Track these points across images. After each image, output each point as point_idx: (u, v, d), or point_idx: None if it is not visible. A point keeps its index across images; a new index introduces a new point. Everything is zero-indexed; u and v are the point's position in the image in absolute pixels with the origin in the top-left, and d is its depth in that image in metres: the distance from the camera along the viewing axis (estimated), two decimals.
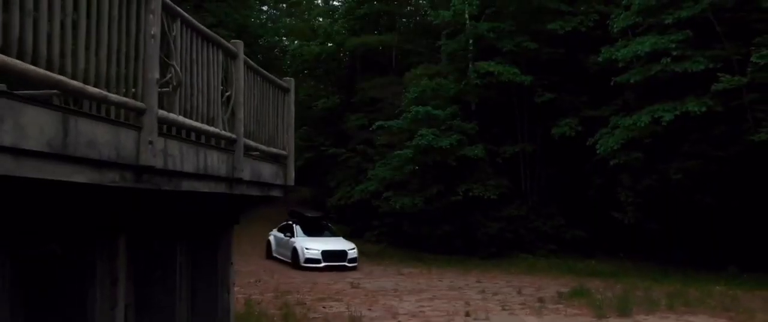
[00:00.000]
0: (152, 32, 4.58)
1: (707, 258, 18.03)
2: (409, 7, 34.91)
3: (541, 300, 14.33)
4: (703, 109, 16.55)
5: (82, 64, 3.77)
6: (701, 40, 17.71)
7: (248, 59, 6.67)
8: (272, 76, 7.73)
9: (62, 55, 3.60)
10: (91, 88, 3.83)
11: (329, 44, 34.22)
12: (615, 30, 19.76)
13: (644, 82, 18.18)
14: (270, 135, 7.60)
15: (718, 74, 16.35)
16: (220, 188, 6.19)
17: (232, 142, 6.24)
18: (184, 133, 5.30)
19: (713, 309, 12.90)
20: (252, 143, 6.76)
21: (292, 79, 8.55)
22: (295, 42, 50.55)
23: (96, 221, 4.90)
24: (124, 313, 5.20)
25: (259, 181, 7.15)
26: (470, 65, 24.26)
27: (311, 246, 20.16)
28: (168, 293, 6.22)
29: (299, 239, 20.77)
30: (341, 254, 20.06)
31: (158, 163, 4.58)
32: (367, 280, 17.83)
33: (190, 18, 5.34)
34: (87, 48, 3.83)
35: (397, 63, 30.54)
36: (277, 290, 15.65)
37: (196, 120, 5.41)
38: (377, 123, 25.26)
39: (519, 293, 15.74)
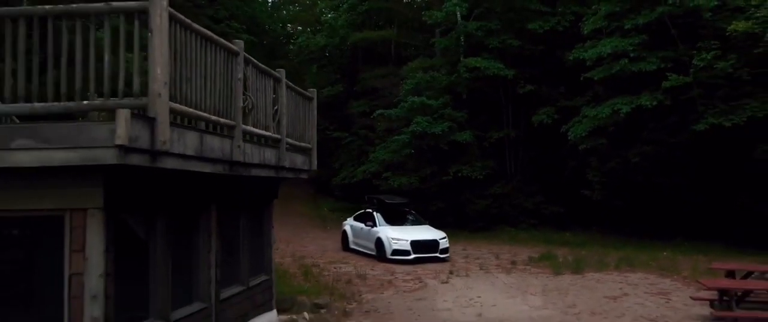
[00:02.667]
0: (238, 76, 7.14)
1: (660, 229, 20.64)
2: None
3: (513, 263, 17.04)
4: (655, 103, 19.10)
5: (208, 103, 6.35)
6: (658, 42, 20.16)
7: (288, 82, 9.22)
8: (302, 90, 10.27)
9: (200, 99, 6.18)
10: (213, 117, 6.42)
11: (329, 34, 36.65)
12: (585, 31, 22.19)
13: (608, 78, 20.68)
14: (300, 133, 10.15)
15: (667, 74, 18.87)
16: (271, 173, 8.81)
17: (277, 141, 8.82)
18: (255, 139, 7.87)
19: (650, 268, 15.59)
20: (290, 141, 9.32)
21: (314, 89, 11.10)
22: (299, 28, 52.98)
23: (202, 196, 7.50)
24: (215, 256, 7.82)
25: (294, 167, 9.74)
26: (461, 60, 26.70)
27: (398, 236, 17.95)
28: (235, 245, 8.82)
29: (383, 228, 18.48)
30: (432, 245, 17.92)
31: (241, 158, 7.18)
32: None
33: (256, 61, 7.89)
34: (210, 93, 6.41)
35: (396, 55, 32.95)
36: (294, 256, 18.34)
37: (259, 129, 7.99)
38: (378, 111, 27.76)
39: (497, 257, 18.41)
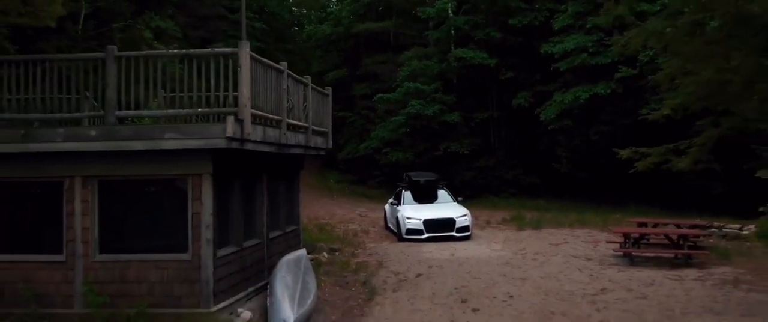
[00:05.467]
0: (284, 87, 10.42)
1: (615, 196, 23.98)
2: None
3: (488, 222, 20.40)
4: (608, 91, 22.36)
5: (268, 106, 9.64)
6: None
7: (313, 85, 12.48)
8: (321, 89, 13.53)
9: (264, 104, 9.46)
10: (270, 116, 9.71)
11: (334, 23, 39.72)
12: (556, 27, 25.32)
13: (573, 68, 23.89)
14: (320, 121, 13.40)
15: (619, 66, 22.06)
16: (301, 151, 12.13)
17: (306, 128, 12.11)
18: (293, 128, 11.17)
19: (597, 226, 18.92)
20: (314, 127, 12.61)
21: (330, 87, 14.36)
22: (304, 11, 55.77)
23: (258, 167, 10.83)
24: (266, 208, 11.17)
25: (316, 146, 13.05)
26: (452, 49, 29.83)
27: (413, 215, 17.11)
28: (277, 202, 12.14)
29: (403, 207, 17.84)
30: (448, 223, 16.88)
31: (285, 142, 10.50)
32: (372, 213, 23.79)
33: (293, 74, 11.15)
34: (268, 100, 9.69)
35: (394, 44, 36.03)
36: (309, 217, 21.67)
37: (295, 120, 11.28)
38: (378, 95, 31.01)
39: (476, 219, 21.69)
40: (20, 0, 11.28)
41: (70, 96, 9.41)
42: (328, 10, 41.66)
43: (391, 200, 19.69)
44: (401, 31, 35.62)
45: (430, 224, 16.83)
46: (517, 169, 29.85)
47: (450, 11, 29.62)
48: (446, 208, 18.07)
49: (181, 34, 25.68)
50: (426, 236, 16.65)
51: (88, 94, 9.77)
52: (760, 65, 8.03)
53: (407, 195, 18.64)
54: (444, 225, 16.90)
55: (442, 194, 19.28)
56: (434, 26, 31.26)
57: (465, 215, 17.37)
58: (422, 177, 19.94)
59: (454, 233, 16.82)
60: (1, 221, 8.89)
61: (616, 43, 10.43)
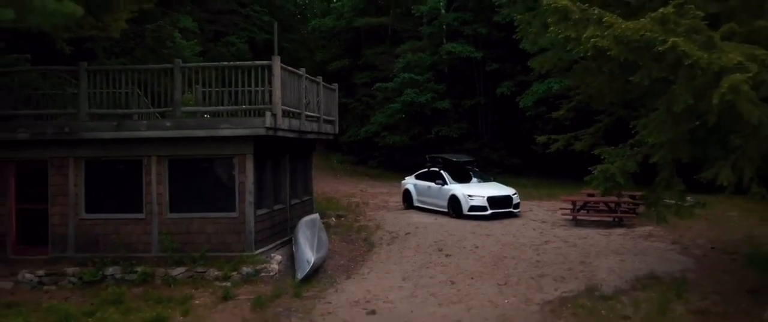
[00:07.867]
0: (303, 87, 13.30)
1: (587, 175, 26.86)
2: None
3: None
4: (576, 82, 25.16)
5: (291, 102, 12.52)
6: None
7: (324, 83, 15.33)
8: (329, 85, 16.40)
9: (289, 101, 12.34)
10: (293, 109, 12.61)
11: (336, 17, 42.44)
12: None
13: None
14: (328, 110, 16.28)
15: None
16: (314, 136, 15.05)
17: (318, 118, 15.00)
18: (309, 117, 14.06)
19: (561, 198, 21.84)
20: (324, 117, 15.50)
21: (336, 84, 17.22)
22: (307, 1, 58.16)
23: (283, 149, 13.73)
24: (288, 180, 14.09)
25: (326, 132, 15.95)
26: (443, 43, 32.55)
27: (474, 193, 17.80)
28: (296, 176, 15.04)
29: (455, 186, 18.28)
30: (506, 200, 17.93)
31: (304, 129, 13.40)
32: (372, 189, 26.74)
33: (307, 75, 14.01)
34: (292, 97, 12.56)
35: (392, 37, 38.71)
36: (318, 192, 24.57)
37: (310, 112, 14.16)
38: (377, 85, 33.76)
39: None
40: (94, 17, 14.09)
41: (127, 91, 12.28)
42: (332, 5, 44.27)
43: (413, 180, 20.19)
44: (398, 26, 38.27)
45: (493, 201, 17.66)
46: (501, 150, 32.60)
47: (442, 9, 32.33)
48: (497, 186, 19.07)
49: (197, 29, 28.45)
50: (490, 212, 17.37)
51: (139, 92, 12.65)
52: (626, 82, 10.90)
53: (447, 175, 18.99)
54: (504, 202, 17.90)
55: (474, 173, 20.06)
56: (427, 22, 33.89)
57: (516, 193, 18.54)
58: (458, 158, 20.68)
59: (512, 209, 17.86)
60: (100, 189, 11.84)
61: (534, 63, 13.34)
